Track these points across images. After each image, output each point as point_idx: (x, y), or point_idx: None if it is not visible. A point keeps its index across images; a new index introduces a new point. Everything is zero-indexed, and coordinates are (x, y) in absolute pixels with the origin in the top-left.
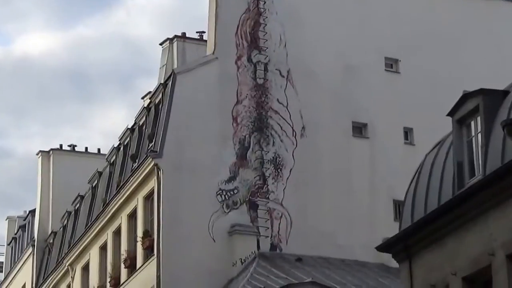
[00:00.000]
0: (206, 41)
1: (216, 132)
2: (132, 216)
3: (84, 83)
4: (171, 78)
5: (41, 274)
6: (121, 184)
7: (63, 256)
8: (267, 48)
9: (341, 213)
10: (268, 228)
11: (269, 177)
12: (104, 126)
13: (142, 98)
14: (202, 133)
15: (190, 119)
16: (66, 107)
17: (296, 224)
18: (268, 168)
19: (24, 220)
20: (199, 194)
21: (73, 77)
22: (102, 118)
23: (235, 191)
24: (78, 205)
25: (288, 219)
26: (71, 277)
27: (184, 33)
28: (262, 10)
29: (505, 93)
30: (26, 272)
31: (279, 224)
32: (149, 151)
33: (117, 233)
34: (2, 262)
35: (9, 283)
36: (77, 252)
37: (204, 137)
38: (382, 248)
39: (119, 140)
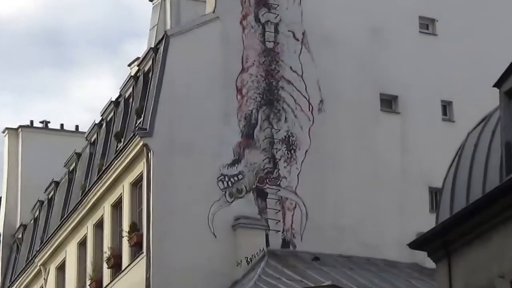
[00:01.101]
0: None
1: (217, 107)
2: (117, 206)
3: (61, 47)
4: (163, 41)
5: (8, 275)
6: (103, 168)
7: (34, 254)
8: (278, 5)
9: (366, 203)
10: (279, 221)
11: (280, 160)
12: (83, 98)
13: (129, 65)
14: (201, 107)
15: (186, 91)
16: (39, 76)
17: (312, 216)
18: (279, 149)
19: None
20: (196, 180)
21: (49, 41)
22: (81, 88)
23: (240, 176)
24: (52, 193)
25: (303, 210)
26: (44, 278)
27: None
28: None
29: None
30: None
31: (293, 216)
32: (136, 128)
33: (99, 226)
34: None
35: None
36: (51, 249)
37: (203, 112)
38: (415, 245)
39: (101, 116)
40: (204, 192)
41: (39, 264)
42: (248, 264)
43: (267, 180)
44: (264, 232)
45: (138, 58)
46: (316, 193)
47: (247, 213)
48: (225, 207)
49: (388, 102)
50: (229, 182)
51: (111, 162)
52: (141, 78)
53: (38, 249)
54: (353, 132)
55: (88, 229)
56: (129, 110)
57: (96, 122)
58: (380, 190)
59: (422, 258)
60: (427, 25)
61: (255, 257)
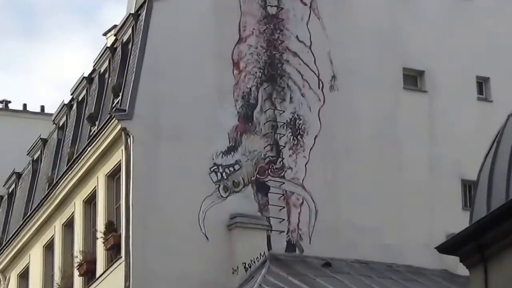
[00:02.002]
0: None
1: (209, 84)
2: (90, 202)
3: (28, 13)
4: (145, 5)
5: None
6: (74, 157)
7: None
8: None
9: (387, 198)
10: (284, 219)
11: (284, 147)
12: (51, 74)
13: (104, 34)
14: (190, 84)
15: (173, 65)
16: (0, 47)
17: (323, 214)
18: (284, 135)
19: None
20: (185, 171)
21: (15, 7)
22: (49, 62)
23: (237, 167)
24: (12, 186)
25: (312, 206)
26: None
27: None
28: None
29: None
30: None
31: (299, 214)
32: (113, 110)
33: (69, 226)
34: None
35: None
36: (11, 254)
37: (193, 90)
38: (445, 248)
39: (71, 94)
40: (194, 186)
41: None
42: (246, 271)
43: (269, 171)
44: (266, 233)
45: (115, 26)
46: (327, 186)
47: (245, 211)
48: (218, 204)
49: (413, 79)
50: (224, 174)
51: (83, 150)
52: (119, 49)
53: None
54: (371, 115)
55: (55, 230)
56: (105, 87)
57: (66, 102)
58: (403, 183)
59: (453, 264)
60: None
61: (254, 262)
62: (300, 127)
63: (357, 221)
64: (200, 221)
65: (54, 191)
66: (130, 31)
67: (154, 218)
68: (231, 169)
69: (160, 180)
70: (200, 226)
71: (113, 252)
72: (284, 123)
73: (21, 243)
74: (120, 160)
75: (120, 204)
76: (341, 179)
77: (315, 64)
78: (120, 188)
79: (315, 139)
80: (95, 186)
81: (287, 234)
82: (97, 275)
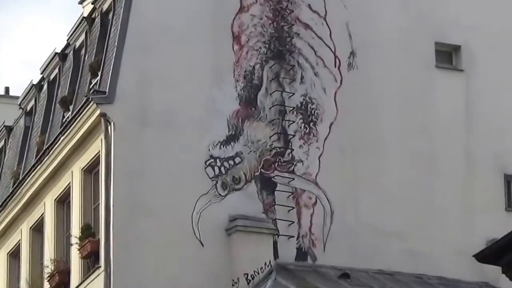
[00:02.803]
0: None
1: (205, 61)
2: (64, 201)
3: None
4: None
5: None
6: (44, 148)
7: None
8: None
9: (416, 197)
10: (293, 222)
11: (294, 136)
12: (17, 49)
13: (80, 2)
14: (182, 62)
15: (161, 38)
16: None
17: (340, 216)
18: (293, 122)
19: None
20: (175, 165)
21: None
22: (14, 35)
23: (237, 160)
24: None
25: (327, 207)
26: None
27: None
28: None
29: None
30: None
31: (312, 216)
32: (91, 92)
33: (38, 230)
34: None
35: None
36: None
37: (185, 68)
38: (485, 256)
39: (41, 74)
40: (187, 182)
41: None
42: (248, 283)
43: (276, 165)
44: (272, 238)
45: None
46: (345, 183)
47: (247, 212)
48: (216, 203)
49: (447, 55)
50: (222, 168)
51: (55, 140)
52: (97, 20)
53: None
54: (398, 98)
55: (22, 234)
56: (81, 65)
57: (34, 82)
58: (435, 179)
59: (495, 275)
60: None
61: (258, 273)
62: (312, 112)
63: (381, 224)
64: (194, 224)
65: (21, 189)
66: None
67: (139, 221)
68: (231, 162)
69: (146, 176)
70: (194, 230)
71: (91, 261)
72: (294, 107)
73: None
74: (99, 152)
75: (99, 204)
76: (362, 175)
77: (330, 38)
78: (99, 185)
79: (330, 127)
80: (69, 183)
81: (297, 239)
82: (72, 287)
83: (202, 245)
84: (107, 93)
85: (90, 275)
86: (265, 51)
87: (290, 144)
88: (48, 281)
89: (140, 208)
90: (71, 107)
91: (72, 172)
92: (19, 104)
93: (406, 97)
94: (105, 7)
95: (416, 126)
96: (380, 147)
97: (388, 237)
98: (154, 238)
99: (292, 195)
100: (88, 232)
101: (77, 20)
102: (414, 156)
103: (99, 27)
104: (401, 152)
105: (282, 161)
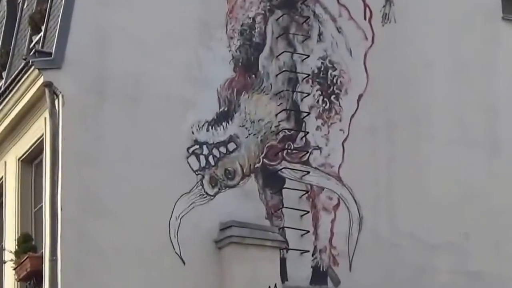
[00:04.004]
0: None
1: (187, 11)
2: None
3: None
4: None
5: None
6: None
7: None
8: None
9: (476, 199)
10: (308, 232)
11: (309, 114)
12: None
13: None
14: (155, 13)
15: None
16: None
17: (372, 223)
18: (308, 94)
19: None
20: (147, 153)
21: None
22: None
23: (231, 146)
24: None
25: (354, 211)
26: None
27: None
28: None
29: None
30: None
31: (333, 223)
32: (32, 53)
33: None
34: None
35: None
36: None
37: (160, 22)
38: None
39: None
40: (162, 177)
41: None
42: None
43: (284, 154)
44: (278, 253)
45: None
46: (379, 177)
47: (245, 218)
48: (202, 206)
49: None
50: (211, 157)
51: None
52: None
53: None
54: (451, 61)
55: None
56: (18, 18)
57: None
58: (502, 174)
59: None
60: None
61: None
62: (334, 81)
63: (427, 235)
64: (172, 234)
65: None
66: None
67: (96, 229)
68: (222, 149)
69: (106, 168)
70: (172, 241)
71: (31, 284)
72: (309, 75)
73: None
74: (42, 135)
75: (42, 206)
76: (401, 167)
77: None
78: (42, 181)
79: (358, 101)
80: (2, 177)
81: (313, 255)
82: None
83: (183, 263)
84: (53, 55)
85: None
86: None
87: (303, 124)
88: None
89: (98, 212)
90: (3, 74)
91: (5, 163)
92: None
93: (460, 59)
94: None
95: (476, 97)
96: (427, 129)
97: (437, 252)
98: (117, 253)
99: (306, 195)
100: (27, 244)
101: None
102: (473, 140)
103: None
104: (454, 135)
105: (292, 148)
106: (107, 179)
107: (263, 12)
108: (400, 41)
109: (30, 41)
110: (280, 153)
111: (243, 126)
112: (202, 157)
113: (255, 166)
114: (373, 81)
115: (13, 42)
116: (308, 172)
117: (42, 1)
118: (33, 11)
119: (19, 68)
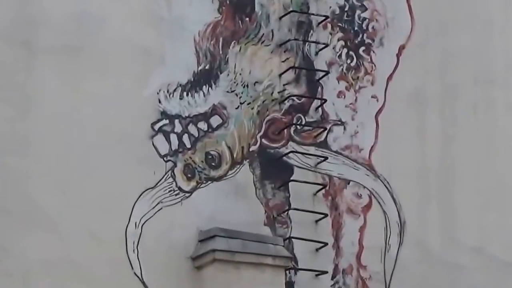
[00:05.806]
0: None
1: None
2: None
3: None
4: None
5: None
6: None
7: None
8: None
9: None
10: (327, 244)
11: (328, 74)
12: None
13: None
14: None
15: None
16: None
17: (419, 233)
18: (326, 45)
19: None
20: (94, 130)
21: None
22: None
23: (215, 120)
24: None
25: (393, 213)
26: None
27: None
28: None
29: None
30: None
31: (362, 231)
32: None
33: None
34: None
35: None
36: None
37: None
38: None
39: None
40: (116, 165)
41: None
42: None
43: (292, 132)
44: (284, 274)
45: None
46: (429, 168)
47: (235, 223)
48: (173, 207)
49: None
50: (185, 137)
51: None
52: None
53: None
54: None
55: None
56: None
57: None
58: None
59: None
60: None
61: None
62: (364, 27)
63: (501, 250)
64: (129, 248)
65: None
66: None
67: (24, 238)
68: (202, 125)
69: (37, 150)
70: (129, 258)
71: None
72: (327, 17)
73: None
74: None
75: None
76: (463, 150)
77: None
78: None
79: (399, 55)
80: None
81: (333, 278)
82: None
83: (145, 286)
84: None
85: None
86: None
87: (319, 89)
88: None
89: (26, 214)
90: None
91: None
92: None
93: None
94: None
95: None
96: (498, 93)
97: (506, 269)
98: (49, 275)
99: (323, 191)
100: None
101: None
102: None
103: None
104: None
105: (303, 123)
106: (37, 167)
107: None
108: None
109: None
110: (285, 131)
111: (233, 91)
112: (173, 137)
113: (250, 149)
114: (420, 28)
115: None
116: (326, 158)
117: None
118: None
119: None
